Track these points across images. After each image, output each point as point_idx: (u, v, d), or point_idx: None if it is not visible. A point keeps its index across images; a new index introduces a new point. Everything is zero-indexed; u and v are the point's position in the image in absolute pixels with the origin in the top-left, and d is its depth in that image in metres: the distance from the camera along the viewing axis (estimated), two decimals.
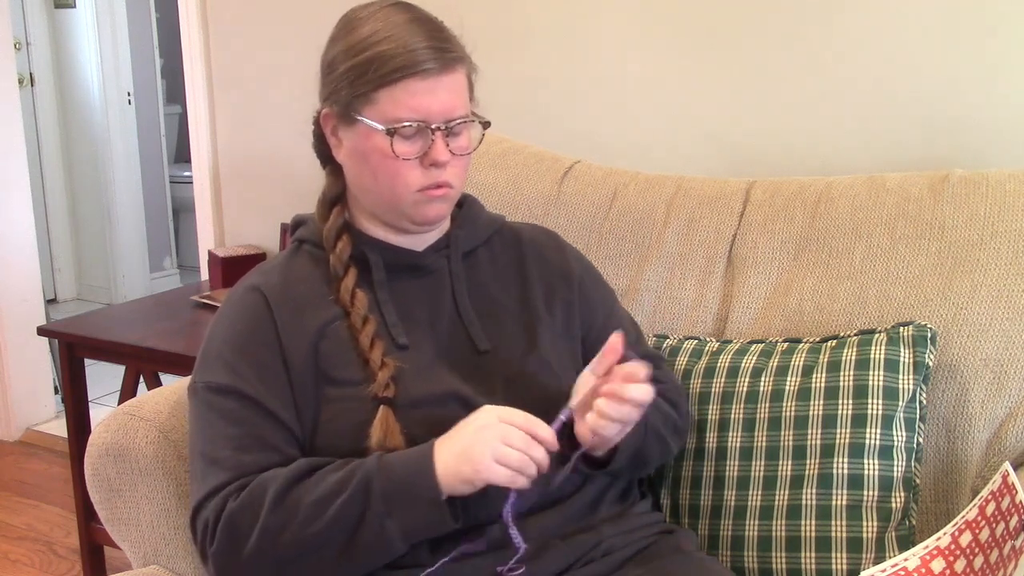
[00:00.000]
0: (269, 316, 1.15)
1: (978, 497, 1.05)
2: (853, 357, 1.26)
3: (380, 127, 1.10)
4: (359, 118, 1.11)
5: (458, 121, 1.12)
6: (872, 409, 1.22)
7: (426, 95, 1.09)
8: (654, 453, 1.21)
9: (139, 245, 4.51)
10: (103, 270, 4.51)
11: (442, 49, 1.10)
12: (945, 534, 1.03)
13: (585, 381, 1.10)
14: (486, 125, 1.17)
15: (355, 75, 1.10)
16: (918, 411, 1.25)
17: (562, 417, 1.07)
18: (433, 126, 1.10)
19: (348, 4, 1.16)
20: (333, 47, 1.14)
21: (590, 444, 1.09)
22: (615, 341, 1.06)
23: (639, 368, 1.04)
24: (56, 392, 3.28)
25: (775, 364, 1.31)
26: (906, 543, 1.20)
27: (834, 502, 1.20)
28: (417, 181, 1.12)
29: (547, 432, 1.03)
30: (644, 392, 1.05)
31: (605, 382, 1.06)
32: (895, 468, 1.21)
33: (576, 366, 1.24)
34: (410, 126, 1.09)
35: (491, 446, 1.01)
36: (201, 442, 1.12)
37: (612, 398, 1.04)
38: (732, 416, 1.30)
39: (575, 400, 1.09)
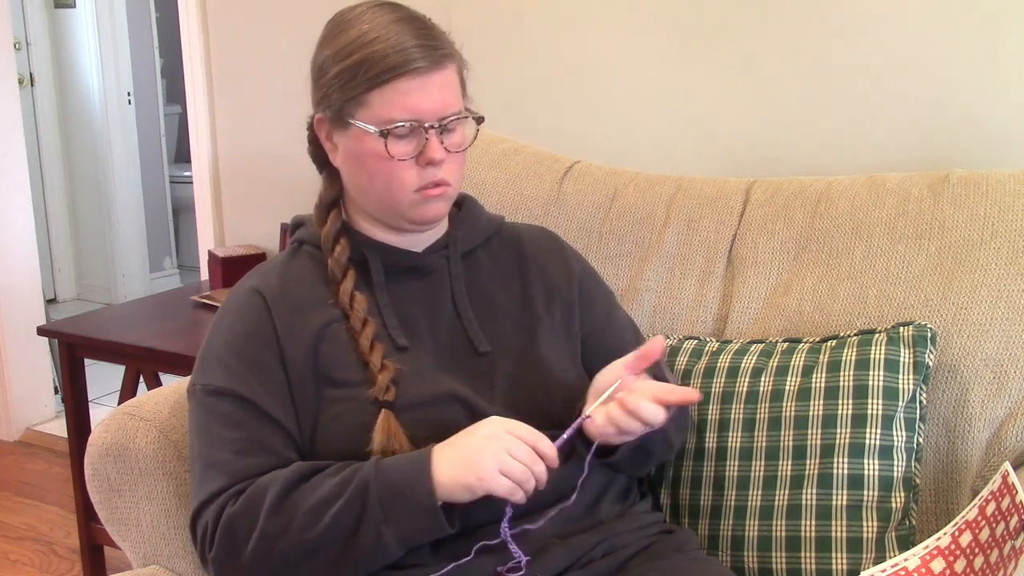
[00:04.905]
0: (268, 318, 1.14)
1: (978, 497, 1.05)
2: (853, 357, 1.26)
3: (373, 129, 1.10)
4: (352, 122, 1.11)
5: (451, 118, 1.12)
6: (872, 409, 1.22)
7: (418, 94, 1.09)
8: (657, 449, 1.21)
9: (139, 245, 4.51)
10: (103, 270, 4.51)
11: (431, 47, 1.09)
12: (945, 534, 1.03)
13: (610, 374, 1.10)
14: (479, 120, 1.17)
15: (346, 79, 1.10)
16: (918, 411, 1.25)
17: (565, 436, 1.07)
18: (426, 125, 1.10)
19: (348, 4, 1.16)
20: (322, 51, 1.14)
21: (596, 437, 1.10)
22: (657, 344, 1.07)
23: (663, 392, 1.05)
24: (56, 392, 3.28)
25: (775, 364, 1.31)
26: (906, 543, 1.20)
27: (834, 502, 1.20)
28: (414, 181, 1.12)
29: (549, 448, 1.04)
30: (655, 414, 1.05)
31: (629, 384, 1.07)
32: (895, 468, 1.21)
33: (576, 367, 1.24)
34: (403, 126, 1.09)
35: (497, 456, 1.01)
36: (199, 445, 1.12)
37: (625, 409, 1.05)
38: (732, 416, 1.30)
39: (590, 407, 1.09)
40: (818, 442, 1.23)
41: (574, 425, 1.08)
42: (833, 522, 1.20)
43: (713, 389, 1.33)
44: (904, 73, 1.74)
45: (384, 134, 1.09)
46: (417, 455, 1.04)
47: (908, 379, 1.24)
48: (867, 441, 1.21)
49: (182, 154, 4.63)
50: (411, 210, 1.15)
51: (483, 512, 1.06)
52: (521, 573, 1.06)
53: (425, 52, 1.09)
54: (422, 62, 1.08)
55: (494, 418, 1.06)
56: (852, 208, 1.43)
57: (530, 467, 1.02)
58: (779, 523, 1.22)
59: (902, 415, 1.23)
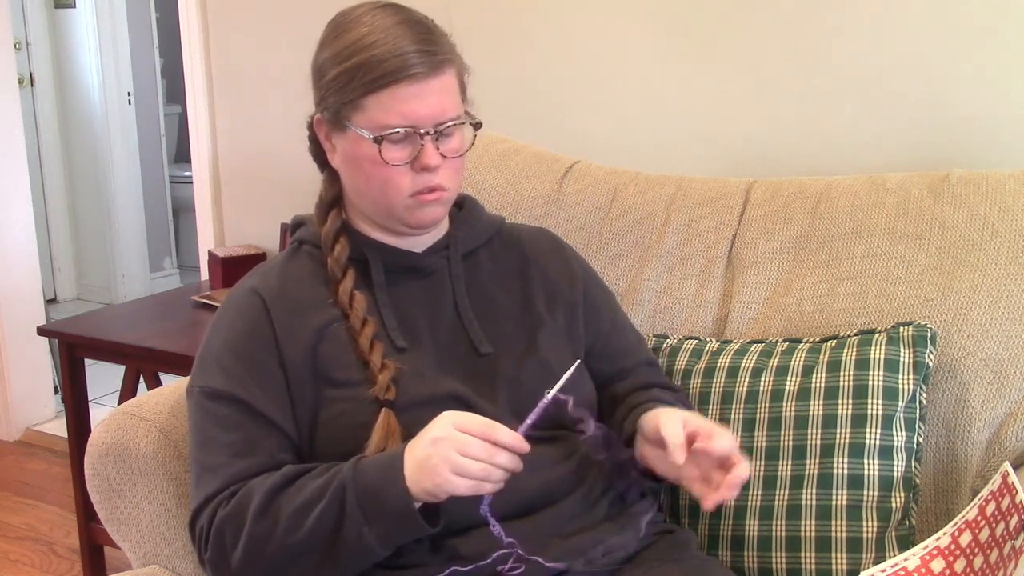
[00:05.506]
0: (267, 319, 1.14)
1: (978, 497, 1.05)
2: (853, 357, 1.26)
3: (368, 134, 1.09)
4: (348, 125, 1.11)
5: (448, 124, 1.11)
6: (872, 409, 1.22)
7: (415, 100, 1.08)
8: None
9: (139, 245, 4.51)
10: (103, 270, 4.51)
11: (431, 52, 1.08)
12: (945, 534, 1.03)
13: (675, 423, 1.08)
14: (477, 126, 1.16)
15: (344, 81, 1.09)
16: (918, 411, 1.25)
17: (529, 421, 1.04)
18: (422, 131, 1.09)
19: (349, 4, 1.16)
20: (322, 52, 1.13)
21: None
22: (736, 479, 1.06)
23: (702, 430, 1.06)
24: (56, 392, 3.28)
25: (775, 364, 1.31)
26: (906, 543, 1.20)
27: (834, 502, 1.20)
28: (409, 186, 1.12)
29: (509, 436, 1.00)
30: (728, 442, 1.06)
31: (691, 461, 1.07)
32: (895, 468, 1.21)
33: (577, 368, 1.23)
34: (398, 132, 1.08)
35: (447, 459, 0.98)
36: (197, 447, 1.13)
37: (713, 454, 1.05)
38: (732, 416, 1.30)
39: (553, 390, 1.06)
40: (818, 442, 1.23)
41: (537, 409, 1.05)
42: (833, 522, 1.20)
43: (713, 389, 1.33)
44: (904, 73, 1.74)
45: (378, 140, 1.09)
46: (392, 455, 1.03)
47: (908, 379, 1.24)
48: (867, 441, 1.21)
49: (182, 154, 4.63)
50: (406, 214, 1.14)
51: (468, 512, 1.04)
52: (520, 571, 1.06)
53: (424, 58, 1.08)
54: (420, 68, 1.07)
55: (445, 415, 1.02)
56: (852, 208, 1.43)
57: (488, 460, 0.98)
58: (779, 523, 1.22)
59: (902, 415, 1.23)
